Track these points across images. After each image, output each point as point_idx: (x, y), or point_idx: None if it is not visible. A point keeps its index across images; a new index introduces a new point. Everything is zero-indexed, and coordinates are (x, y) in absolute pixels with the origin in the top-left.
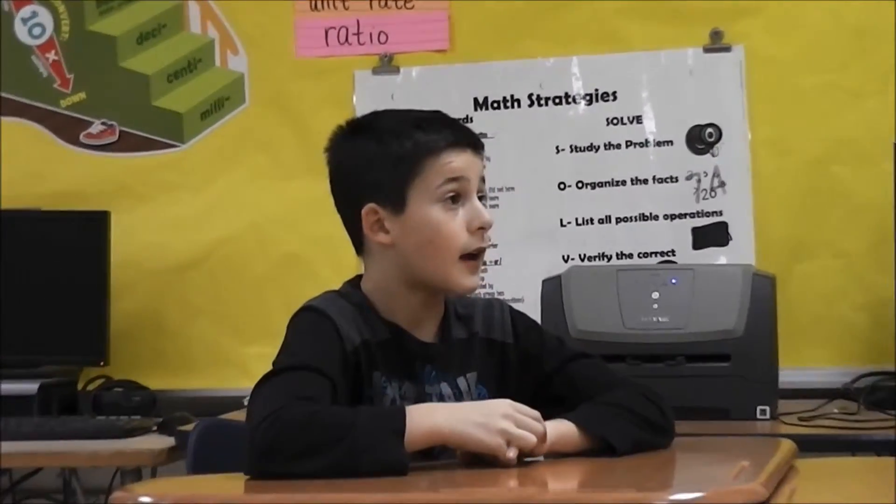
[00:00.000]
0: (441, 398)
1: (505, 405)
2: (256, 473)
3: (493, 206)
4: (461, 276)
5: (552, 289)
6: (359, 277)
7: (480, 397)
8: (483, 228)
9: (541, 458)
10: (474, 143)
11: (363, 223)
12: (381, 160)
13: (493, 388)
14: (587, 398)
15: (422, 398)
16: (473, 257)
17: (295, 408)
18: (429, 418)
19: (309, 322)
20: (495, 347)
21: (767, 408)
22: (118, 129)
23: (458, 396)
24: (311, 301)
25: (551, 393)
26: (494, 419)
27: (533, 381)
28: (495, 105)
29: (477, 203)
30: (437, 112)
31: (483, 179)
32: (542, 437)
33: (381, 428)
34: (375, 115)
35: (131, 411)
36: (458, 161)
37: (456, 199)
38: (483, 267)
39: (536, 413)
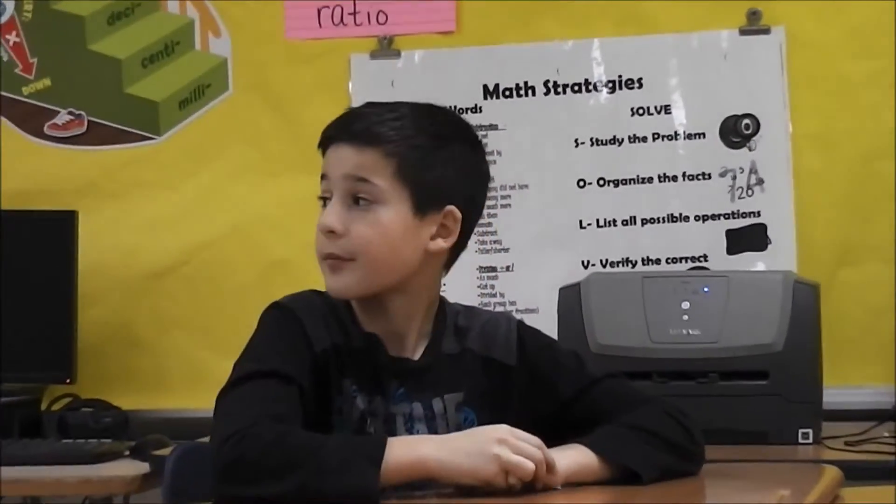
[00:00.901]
0: (410, 420)
1: (500, 430)
2: (218, 496)
3: (504, 206)
4: (325, 277)
5: (570, 298)
6: None
7: (466, 422)
8: (322, 232)
9: (558, 488)
10: (351, 135)
11: None
12: None
13: (487, 412)
14: (608, 421)
15: (388, 418)
16: (332, 258)
17: (263, 428)
18: (413, 450)
19: (274, 320)
20: (493, 368)
21: (810, 431)
22: (87, 119)
23: (431, 419)
24: (283, 298)
25: (573, 420)
26: (488, 445)
27: (548, 409)
28: (507, 93)
29: (332, 203)
30: (372, 102)
31: (363, 180)
32: (544, 464)
33: (353, 452)
34: None
35: (101, 434)
36: (328, 157)
37: (326, 198)
38: (493, 273)
39: (537, 440)
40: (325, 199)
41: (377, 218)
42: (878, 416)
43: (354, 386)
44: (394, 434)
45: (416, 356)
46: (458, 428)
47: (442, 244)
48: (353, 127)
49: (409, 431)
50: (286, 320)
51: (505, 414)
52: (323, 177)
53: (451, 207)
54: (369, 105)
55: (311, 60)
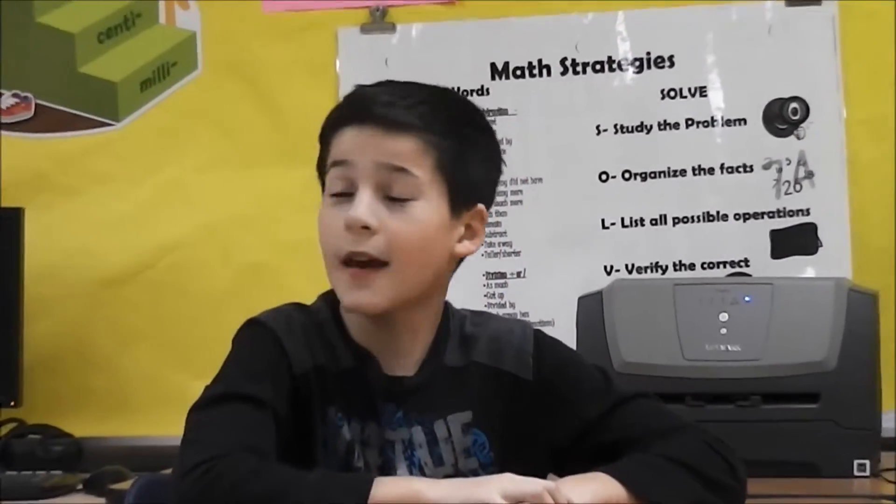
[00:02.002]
0: (409, 446)
1: (503, 479)
2: None
3: (515, 203)
4: (339, 288)
5: (590, 309)
6: None
7: (476, 446)
8: (350, 228)
9: None
10: (385, 118)
11: None
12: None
13: (499, 434)
14: (636, 447)
15: (384, 447)
16: (355, 264)
17: (235, 459)
18: (404, 485)
19: (249, 338)
20: (505, 383)
21: (867, 462)
22: (34, 102)
23: (434, 444)
24: (260, 313)
25: (596, 444)
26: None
27: (568, 431)
28: (518, 73)
29: (359, 194)
30: (390, 81)
31: (402, 170)
32: None
33: (335, 490)
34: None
35: (51, 465)
36: (345, 140)
37: (347, 191)
38: (501, 280)
39: (544, 482)
40: (340, 193)
41: (416, 214)
42: None
43: (340, 413)
44: (391, 465)
45: (413, 371)
46: (467, 453)
47: (470, 247)
48: (385, 108)
49: (409, 460)
50: (263, 339)
51: (519, 436)
52: (336, 163)
53: (481, 206)
54: (389, 84)
55: (293, 35)
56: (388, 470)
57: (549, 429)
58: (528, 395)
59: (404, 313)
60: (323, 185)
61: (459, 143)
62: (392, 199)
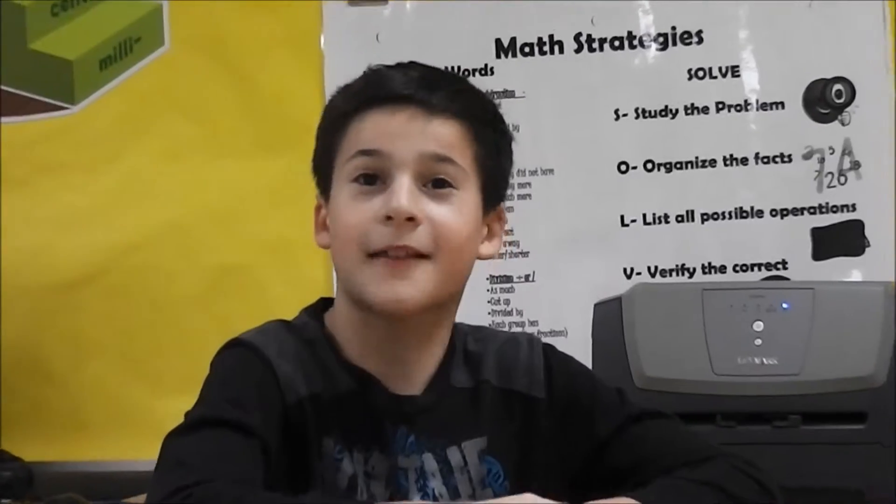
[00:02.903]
0: (422, 475)
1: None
2: None
3: (522, 197)
4: (370, 282)
5: (608, 317)
6: (325, 303)
7: (490, 475)
8: (390, 217)
9: None
10: (420, 99)
11: (314, 221)
12: (318, 129)
13: (513, 461)
14: (658, 472)
15: (393, 476)
16: (389, 257)
17: (218, 487)
18: None
19: (235, 361)
20: (516, 402)
21: None
22: None
23: (448, 473)
24: (244, 333)
25: (611, 466)
26: None
27: (582, 451)
28: (527, 50)
29: (398, 184)
30: (413, 62)
31: (446, 160)
32: None
33: None
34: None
35: None
36: (373, 125)
37: (372, 179)
38: (507, 285)
39: None
40: (367, 182)
41: (459, 206)
42: None
43: (339, 445)
44: (403, 495)
45: (420, 391)
46: (482, 483)
47: (491, 249)
48: (428, 91)
49: (423, 490)
50: (250, 363)
51: (532, 460)
52: (366, 152)
53: (501, 206)
54: (413, 66)
55: (272, 7)
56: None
57: (563, 450)
58: (541, 415)
59: (421, 320)
60: (323, 179)
61: (495, 135)
62: (433, 189)
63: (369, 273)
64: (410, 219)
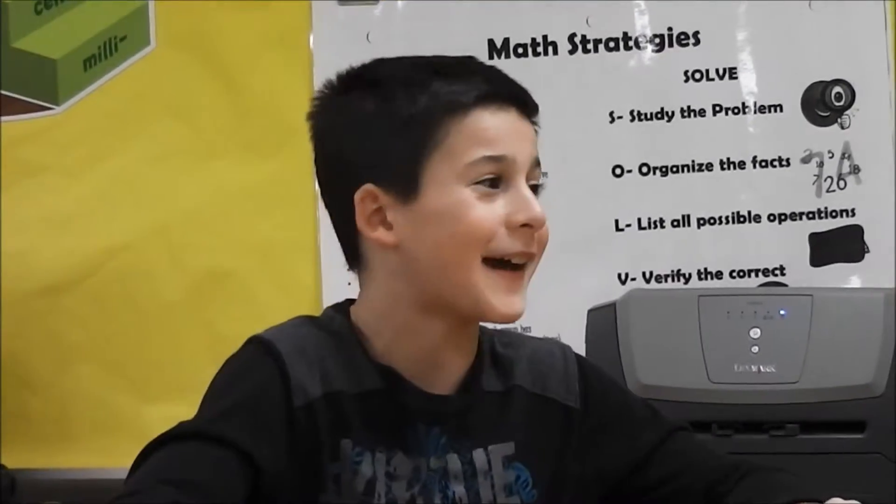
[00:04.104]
0: (444, 476)
1: None
2: None
3: None
4: (487, 291)
5: (602, 323)
6: (349, 302)
7: (519, 483)
8: (530, 226)
9: None
10: (523, 101)
11: (357, 214)
12: (382, 122)
13: (544, 470)
14: (696, 483)
15: (418, 477)
16: (510, 267)
17: (148, 496)
18: None
19: (243, 360)
20: (551, 411)
21: None
22: None
23: (472, 477)
24: (266, 331)
25: (646, 479)
26: None
27: (619, 466)
28: (520, 51)
29: (525, 190)
30: (468, 57)
31: (539, 163)
32: None
33: None
34: (379, 63)
35: None
36: (497, 125)
37: (495, 183)
38: None
39: None
40: (493, 181)
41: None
42: None
43: (358, 447)
44: (429, 500)
45: (452, 392)
46: (508, 490)
47: None
48: (520, 89)
49: (444, 493)
50: (257, 363)
51: (566, 473)
52: (491, 158)
53: None
54: (474, 58)
55: (260, 6)
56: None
57: (600, 463)
58: (576, 425)
59: (475, 325)
60: (402, 175)
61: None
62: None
63: (489, 282)
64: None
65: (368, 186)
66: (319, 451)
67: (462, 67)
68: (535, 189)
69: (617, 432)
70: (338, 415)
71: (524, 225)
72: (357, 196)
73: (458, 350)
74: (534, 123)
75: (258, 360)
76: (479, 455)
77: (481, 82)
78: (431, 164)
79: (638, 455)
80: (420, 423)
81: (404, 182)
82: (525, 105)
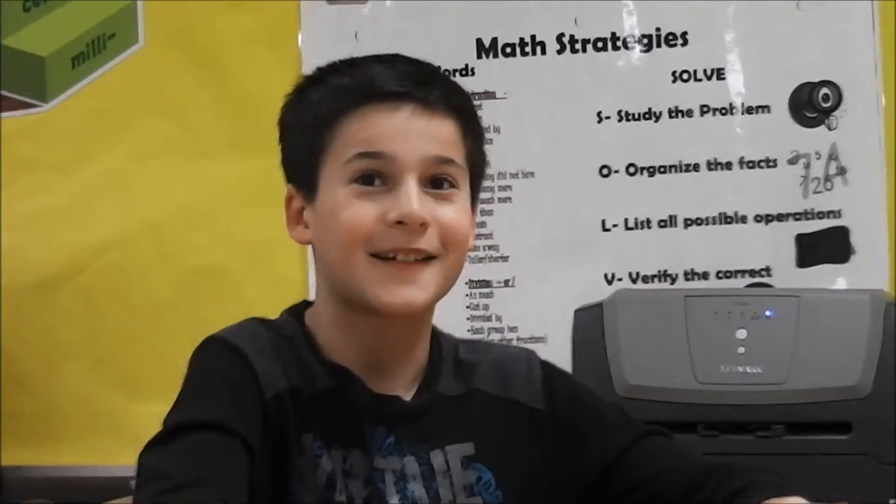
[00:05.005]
0: (402, 478)
1: None
2: None
3: (503, 200)
4: (373, 283)
5: (588, 323)
6: (305, 304)
7: (480, 483)
8: (402, 223)
9: None
10: (421, 98)
11: (285, 213)
12: (295, 125)
13: (506, 471)
14: (671, 487)
15: (372, 476)
16: (398, 262)
17: (198, 495)
18: None
19: (210, 359)
20: (515, 413)
21: None
22: None
23: (430, 477)
24: (219, 331)
25: (618, 482)
26: None
27: (592, 468)
28: (508, 51)
29: (407, 187)
30: (391, 55)
31: (448, 161)
32: None
33: None
34: (337, 62)
35: None
36: (378, 123)
37: (370, 180)
38: (486, 290)
39: None
40: (366, 177)
41: (459, 205)
42: None
43: (318, 442)
44: (381, 498)
45: (408, 396)
46: (469, 490)
47: (473, 241)
48: (425, 88)
49: (402, 493)
50: (226, 358)
51: (531, 475)
52: (367, 155)
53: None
54: (399, 59)
55: (249, 5)
56: (375, 503)
57: (572, 466)
58: (542, 427)
59: (410, 320)
60: (305, 177)
61: (481, 132)
62: (435, 190)
63: (375, 275)
64: (422, 224)
65: (289, 187)
66: (288, 443)
67: (370, 63)
68: (442, 183)
69: (587, 436)
70: (299, 410)
71: (399, 222)
72: (285, 197)
73: (404, 350)
74: (444, 117)
75: (225, 356)
76: (436, 456)
77: (371, 81)
78: (324, 164)
79: (608, 459)
80: (366, 422)
81: (307, 183)
82: (425, 102)
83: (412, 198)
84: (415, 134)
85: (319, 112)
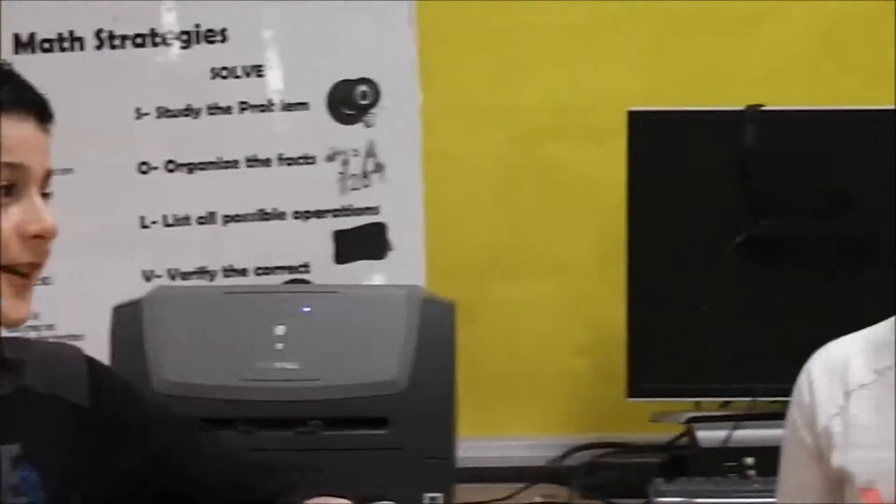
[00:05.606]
0: None
1: None
2: None
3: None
4: (6, 302)
5: (127, 320)
6: None
7: (26, 485)
8: (42, 237)
9: None
10: (42, 111)
11: None
12: None
13: (55, 469)
14: (221, 484)
15: None
16: (19, 273)
17: None
18: None
19: None
20: (62, 410)
21: (440, 496)
22: None
23: None
24: None
25: (164, 479)
26: None
27: (132, 465)
28: (46, 46)
29: (37, 200)
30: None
31: (50, 172)
32: None
33: None
34: None
35: None
36: (14, 134)
37: (9, 190)
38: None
39: None
40: (7, 189)
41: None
42: (527, 476)
43: None
44: None
45: None
46: (17, 492)
47: None
48: (37, 99)
49: None
50: None
51: (80, 472)
52: (12, 165)
53: None
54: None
55: None
56: None
57: (112, 462)
58: (87, 424)
59: None
60: None
61: None
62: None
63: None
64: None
65: None
66: None
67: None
68: (46, 195)
69: (129, 431)
70: None
71: (36, 236)
72: None
73: None
74: (49, 133)
75: None
76: None
77: (8, 91)
78: None
79: (151, 454)
80: None
81: None
82: (43, 116)
83: (45, 212)
84: (39, 147)
85: None
